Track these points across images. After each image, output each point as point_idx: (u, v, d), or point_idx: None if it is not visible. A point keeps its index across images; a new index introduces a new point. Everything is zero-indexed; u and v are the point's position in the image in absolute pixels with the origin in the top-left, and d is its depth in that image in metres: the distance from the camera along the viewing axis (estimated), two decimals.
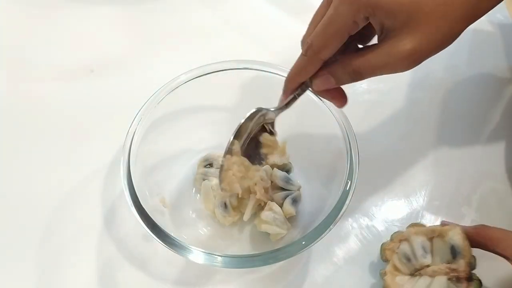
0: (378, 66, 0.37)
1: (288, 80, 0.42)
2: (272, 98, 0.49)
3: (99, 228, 0.49)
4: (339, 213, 0.42)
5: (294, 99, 0.43)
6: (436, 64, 0.63)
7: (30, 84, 0.59)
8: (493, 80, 0.62)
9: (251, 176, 0.44)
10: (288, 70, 0.50)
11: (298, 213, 0.49)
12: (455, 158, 0.56)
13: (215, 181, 0.49)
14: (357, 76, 0.38)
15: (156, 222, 0.42)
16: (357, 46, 0.41)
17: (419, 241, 0.43)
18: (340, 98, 0.43)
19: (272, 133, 0.45)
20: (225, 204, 0.47)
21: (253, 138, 0.44)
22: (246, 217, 0.47)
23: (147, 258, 0.48)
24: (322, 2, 0.41)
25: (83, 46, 0.62)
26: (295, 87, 0.42)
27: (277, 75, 0.49)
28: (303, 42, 0.42)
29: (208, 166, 0.51)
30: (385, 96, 0.60)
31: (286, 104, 0.43)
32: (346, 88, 0.60)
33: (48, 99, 0.57)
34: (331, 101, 0.43)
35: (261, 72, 0.50)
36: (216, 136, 0.50)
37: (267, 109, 0.44)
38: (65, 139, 0.55)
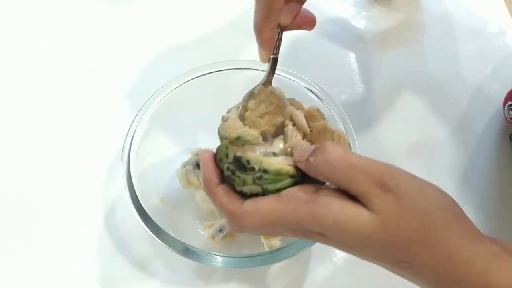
0: None
1: (259, 30, 0.39)
2: None
3: (99, 228, 0.49)
4: None
5: (275, 60, 0.40)
6: (435, 65, 0.63)
7: (29, 84, 0.59)
8: (494, 81, 0.62)
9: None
10: (290, 70, 0.50)
11: None
12: (455, 158, 0.56)
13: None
14: None
15: (156, 222, 0.42)
16: None
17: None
18: (309, 20, 0.41)
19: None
20: (220, 230, 0.46)
21: None
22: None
23: (147, 258, 0.48)
24: None
25: (83, 46, 0.62)
26: (270, 36, 0.39)
27: (278, 75, 0.49)
28: None
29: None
30: (385, 96, 0.60)
31: (271, 70, 0.41)
32: (346, 88, 0.61)
33: (48, 99, 0.57)
34: (302, 28, 0.41)
35: (261, 72, 0.49)
36: (216, 136, 0.50)
37: (254, 88, 0.41)
38: (65, 138, 0.55)
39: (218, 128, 0.38)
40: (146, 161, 0.47)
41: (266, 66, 0.43)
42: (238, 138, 0.36)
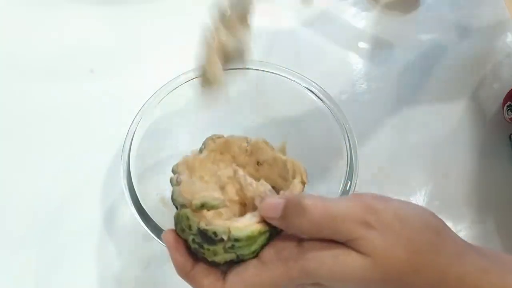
0: None
1: None
2: (271, 98, 0.49)
3: (99, 228, 0.49)
4: None
5: None
6: (435, 65, 0.63)
7: (29, 84, 0.59)
8: (494, 81, 0.61)
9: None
10: (290, 70, 0.50)
11: None
12: (455, 158, 0.56)
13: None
14: None
15: (156, 222, 0.41)
16: None
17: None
18: None
19: None
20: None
21: None
22: None
23: (147, 258, 0.48)
24: None
25: (83, 46, 0.62)
26: None
27: (278, 75, 0.49)
28: None
29: None
30: (385, 96, 0.60)
31: None
32: (346, 87, 0.60)
33: (48, 99, 0.57)
34: None
35: (260, 72, 0.50)
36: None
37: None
38: (64, 139, 0.55)
39: (172, 194, 0.34)
40: (146, 161, 0.47)
41: (266, 67, 0.43)
42: (202, 205, 0.32)
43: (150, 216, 0.42)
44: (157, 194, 0.48)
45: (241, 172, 0.37)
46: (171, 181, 0.36)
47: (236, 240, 0.31)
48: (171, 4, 0.66)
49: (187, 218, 0.32)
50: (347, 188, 0.43)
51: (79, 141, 0.55)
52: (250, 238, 0.31)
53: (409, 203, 0.32)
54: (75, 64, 0.60)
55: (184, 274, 0.33)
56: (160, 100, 0.48)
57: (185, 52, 0.62)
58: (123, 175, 0.44)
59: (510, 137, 0.56)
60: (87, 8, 0.65)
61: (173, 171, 0.37)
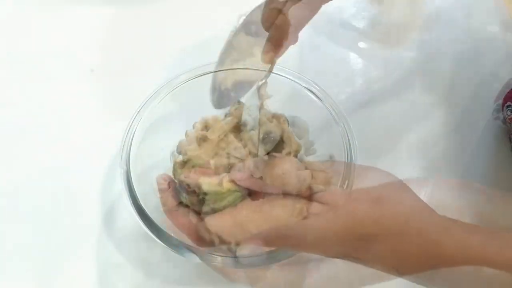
0: None
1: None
2: (271, 98, 0.49)
3: (98, 228, 0.49)
4: None
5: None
6: (435, 65, 0.63)
7: (29, 83, 0.59)
8: (494, 81, 0.61)
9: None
10: (290, 70, 0.50)
11: None
12: (455, 158, 0.56)
13: None
14: None
15: (156, 222, 0.42)
16: None
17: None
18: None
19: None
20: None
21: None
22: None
23: (147, 258, 0.48)
24: None
25: (83, 46, 0.62)
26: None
27: (278, 75, 0.49)
28: None
29: None
30: (385, 96, 0.60)
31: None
32: (346, 88, 0.60)
33: (48, 99, 0.57)
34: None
35: (261, 71, 0.49)
36: None
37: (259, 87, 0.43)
38: (64, 139, 0.55)
39: (178, 143, 0.40)
40: (145, 161, 0.47)
41: (265, 66, 0.43)
42: (187, 161, 0.38)
43: (150, 216, 0.42)
44: (157, 194, 0.48)
45: (231, 137, 0.41)
46: (185, 133, 0.41)
47: (205, 193, 0.35)
48: (172, 4, 0.66)
49: (175, 169, 0.37)
50: (345, 187, 0.43)
51: (79, 141, 0.55)
52: (218, 194, 0.35)
53: (376, 168, 0.35)
54: (75, 64, 0.60)
55: (167, 210, 0.37)
56: (160, 100, 0.48)
57: (185, 52, 0.62)
58: (122, 175, 0.44)
59: (510, 137, 0.56)
60: (87, 8, 0.65)
61: (193, 126, 0.42)
